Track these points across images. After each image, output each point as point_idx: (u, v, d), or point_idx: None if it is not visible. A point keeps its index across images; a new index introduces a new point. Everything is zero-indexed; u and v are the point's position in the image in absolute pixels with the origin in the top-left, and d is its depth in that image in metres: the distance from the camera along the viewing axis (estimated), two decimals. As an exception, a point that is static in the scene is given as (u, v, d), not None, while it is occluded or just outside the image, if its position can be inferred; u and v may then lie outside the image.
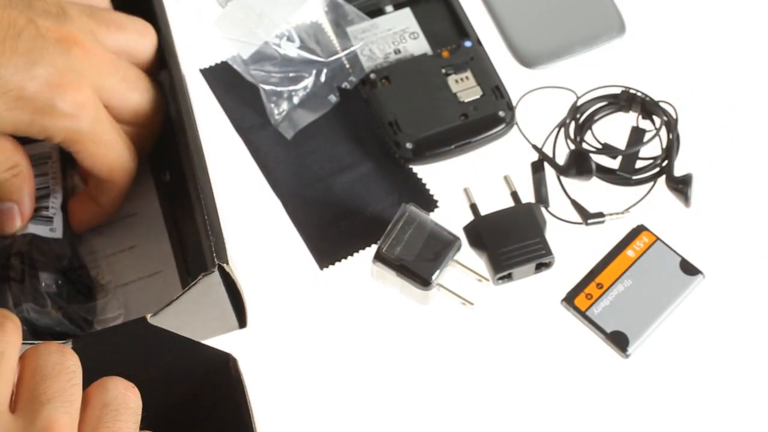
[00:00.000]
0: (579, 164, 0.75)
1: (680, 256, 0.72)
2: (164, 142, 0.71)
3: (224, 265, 0.59)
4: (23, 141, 0.65)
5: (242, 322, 0.68)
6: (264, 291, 0.70)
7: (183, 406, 0.57)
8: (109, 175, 0.66)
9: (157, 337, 0.58)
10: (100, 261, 0.70)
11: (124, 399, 0.46)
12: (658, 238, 0.73)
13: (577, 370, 0.69)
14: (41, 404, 0.43)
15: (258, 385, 0.60)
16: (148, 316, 0.59)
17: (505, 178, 0.76)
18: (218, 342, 0.64)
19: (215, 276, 0.59)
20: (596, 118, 0.79)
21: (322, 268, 0.73)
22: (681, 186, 0.74)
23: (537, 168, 0.77)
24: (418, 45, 0.82)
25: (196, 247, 0.62)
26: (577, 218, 0.75)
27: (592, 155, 0.76)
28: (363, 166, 0.77)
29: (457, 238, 0.71)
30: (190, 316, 0.61)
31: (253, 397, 0.58)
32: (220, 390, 0.57)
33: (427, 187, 0.76)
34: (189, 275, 0.68)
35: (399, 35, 0.82)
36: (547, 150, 0.78)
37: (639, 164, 0.76)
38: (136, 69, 0.66)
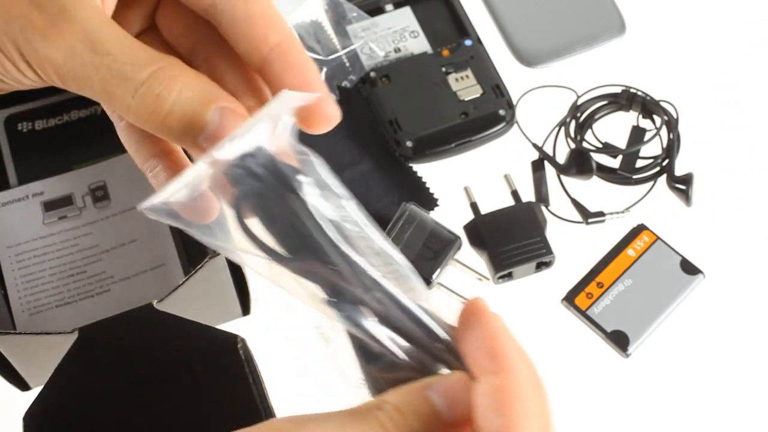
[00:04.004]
0: (579, 163, 0.75)
1: (680, 255, 0.72)
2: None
3: None
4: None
5: (245, 308, 0.68)
6: (263, 288, 0.70)
7: (193, 387, 0.57)
8: None
9: (164, 322, 0.58)
10: (101, 255, 0.70)
11: None
12: (658, 238, 0.73)
13: (577, 370, 0.69)
14: None
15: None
16: (155, 302, 0.59)
17: (506, 177, 0.76)
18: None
19: (220, 258, 0.59)
20: (597, 117, 0.79)
21: (321, 267, 0.73)
22: (682, 185, 0.74)
23: (537, 167, 0.77)
24: (419, 43, 0.82)
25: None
26: (578, 217, 0.75)
27: (592, 154, 0.76)
28: (363, 165, 0.77)
29: (457, 237, 0.70)
30: (196, 301, 0.62)
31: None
32: (230, 370, 0.57)
33: (428, 185, 0.76)
34: (191, 267, 0.68)
35: (399, 34, 0.82)
36: (548, 149, 0.78)
37: (639, 163, 0.76)
38: None
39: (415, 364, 0.36)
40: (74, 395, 0.57)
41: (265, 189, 0.36)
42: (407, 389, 0.34)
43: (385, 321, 0.37)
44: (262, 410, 0.56)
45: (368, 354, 0.37)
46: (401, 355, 0.36)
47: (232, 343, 0.58)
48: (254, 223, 0.37)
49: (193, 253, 0.69)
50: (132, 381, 0.57)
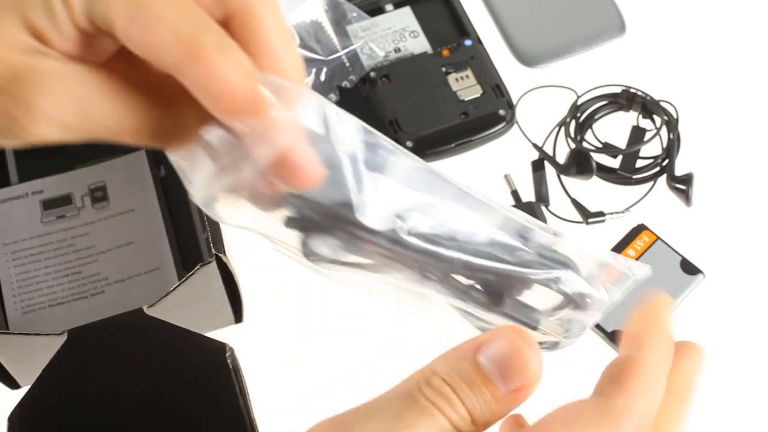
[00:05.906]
0: (579, 163, 0.75)
1: (680, 255, 0.72)
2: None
3: (221, 255, 0.59)
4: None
5: (238, 316, 0.68)
6: (260, 289, 0.70)
7: (179, 394, 0.57)
8: None
9: (153, 327, 0.58)
10: (97, 257, 0.70)
11: None
12: (658, 238, 0.72)
13: (576, 370, 0.69)
14: None
15: (250, 380, 0.60)
16: (145, 307, 0.59)
17: (506, 177, 0.76)
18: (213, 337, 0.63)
19: (212, 266, 0.59)
20: (597, 117, 0.79)
21: (320, 267, 0.73)
22: (682, 185, 0.74)
23: (537, 167, 0.77)
24: (419, 43, 0.82)
25: (193, 244, 0.62)
26: (578, 217, 0.75)
27: (592, 154, 0.75)
28: (362, 165, 0.77)
29: (456, 237, 0.70)
30: (187, 308, 0.61)
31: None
32: (217, 379, 0.57)
33: (427, 185, 0.76)
34: (186, 271, 0.68)
35: (399, 34, 0.82)
36: (548, 149, 0.78)
37: (639, 163, 0.76)
38: None
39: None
40: (60, 396, 0.56)
41: None
42: (456, 354, 0.33)
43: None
44: (247, 421, 0.56)
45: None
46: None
47: (220, 352, 0.58)
48: None
49: (188, 257, 0.69)
50: (118, 384, 0.57)
